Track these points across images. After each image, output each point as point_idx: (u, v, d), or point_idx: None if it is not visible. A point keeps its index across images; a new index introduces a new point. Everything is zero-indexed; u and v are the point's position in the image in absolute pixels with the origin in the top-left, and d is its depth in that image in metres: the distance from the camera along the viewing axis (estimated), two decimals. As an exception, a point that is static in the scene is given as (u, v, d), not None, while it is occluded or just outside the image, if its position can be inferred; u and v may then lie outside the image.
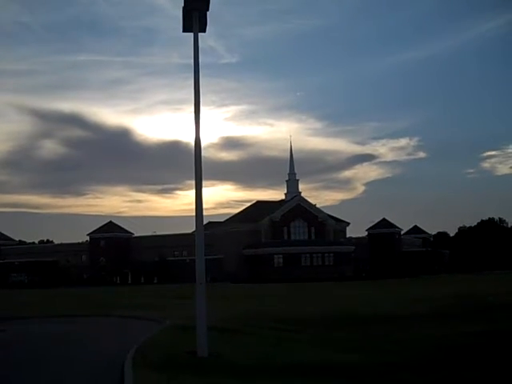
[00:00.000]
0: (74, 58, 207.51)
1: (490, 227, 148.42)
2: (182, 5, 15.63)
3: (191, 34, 16.07)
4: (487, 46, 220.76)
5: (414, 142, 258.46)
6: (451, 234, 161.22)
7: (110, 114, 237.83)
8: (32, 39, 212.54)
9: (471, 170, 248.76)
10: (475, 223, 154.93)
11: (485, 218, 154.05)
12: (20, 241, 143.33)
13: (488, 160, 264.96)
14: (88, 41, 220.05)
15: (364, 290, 63.61)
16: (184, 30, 16.14)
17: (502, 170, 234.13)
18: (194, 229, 16.25)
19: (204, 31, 16.23)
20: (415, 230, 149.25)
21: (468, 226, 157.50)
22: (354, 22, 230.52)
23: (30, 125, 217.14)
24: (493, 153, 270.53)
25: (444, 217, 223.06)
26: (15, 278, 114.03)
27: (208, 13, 15.85)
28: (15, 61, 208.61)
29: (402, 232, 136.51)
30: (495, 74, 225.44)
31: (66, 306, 42.84)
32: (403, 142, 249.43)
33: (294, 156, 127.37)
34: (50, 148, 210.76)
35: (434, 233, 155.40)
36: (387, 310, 36.79)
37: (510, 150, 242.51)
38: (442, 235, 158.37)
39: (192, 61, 16.09)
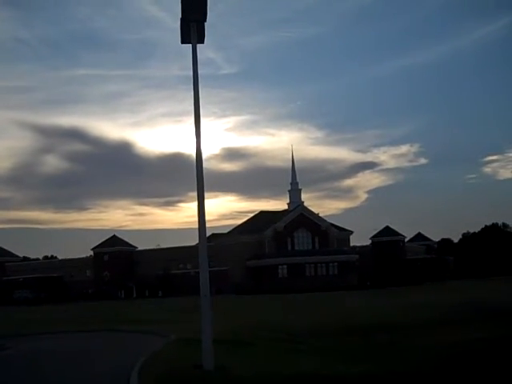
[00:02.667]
0: (73, 73, 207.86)
1: (493, 232, 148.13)
2: (180, 16, 15.66)
3: (190, 46, 16.12)
4: (486, 50, 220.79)
5: (415, 148, 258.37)
6: (455, 241, 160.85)
7: (110, 128, 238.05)
8: (31, 55, 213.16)
9: (473, 176, 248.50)
10: (479, 229, 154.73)
11: (488, 223, 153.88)
12: (24, 257, 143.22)
13: (489, 165, 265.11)
14: (86, 55, 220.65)
15: (369, 298, 63.46)
16: (182, 42, 16.19)
17: (504, 174, 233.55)
18: (197, 241, 16.22)
19: (202, 42, 16.28)
20: (419, 237, 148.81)
21: (472, 231, 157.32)
22: (351, 29, 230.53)
23: (32, 140, 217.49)
24: (494, 157, 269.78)
25: (447, 223, 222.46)
26: (20, 295, 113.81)
27: (206, 24, 15.90)
28: (15, 77, 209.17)
29: (406, 239, 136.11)
30: (495, 78, 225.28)
31: (71, 321, 42.77)
32: (404, 148, 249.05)
33: (295, 165, 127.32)
34: (52, 163, 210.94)
35: (437, 239, 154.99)
36: (392, 318, 36.66)
37: (511, 155, 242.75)
38: (446, 242, 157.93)
39: (191, 72, 16.12)
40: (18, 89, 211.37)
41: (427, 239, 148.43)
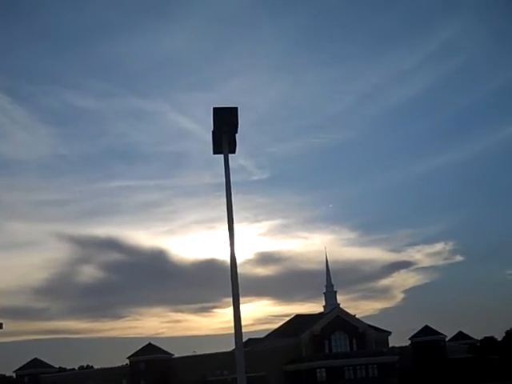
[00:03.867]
0: (108, 185, 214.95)
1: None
2: (211, 129, 16.08)
3: (221, 155, 16.36)
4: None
5: (449, 246, 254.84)
6: (499, 339, 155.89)
7: (145, 236, 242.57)
8: (69, 170, 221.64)
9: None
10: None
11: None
12: (60, 368, 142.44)
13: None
14: (121, 167, 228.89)
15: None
16: (214, 153, 16.43)
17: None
18: (233, 347, 16.30)
19: (234, 152, 16.49)
20: (460, 335, 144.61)
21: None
22: (380, 131, 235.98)
23: (69, 252, 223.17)
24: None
25: (489, 320, 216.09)
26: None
27: (237, 134, 16.25)
28: (54, 191, 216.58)
29: (447, 339, 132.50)
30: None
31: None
32: (439, 246, 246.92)
33: (330, 267, 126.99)
34: (89, 273, 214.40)
35: (480, 338, 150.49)
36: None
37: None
38: (489, 340, 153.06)
39: (223, 180, 16.27)
40: (56, 202, 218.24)
41: (469, 338, 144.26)
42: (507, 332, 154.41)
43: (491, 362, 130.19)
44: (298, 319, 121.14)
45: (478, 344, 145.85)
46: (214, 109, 15.84)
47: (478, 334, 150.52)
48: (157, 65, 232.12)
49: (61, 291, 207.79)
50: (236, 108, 15.89)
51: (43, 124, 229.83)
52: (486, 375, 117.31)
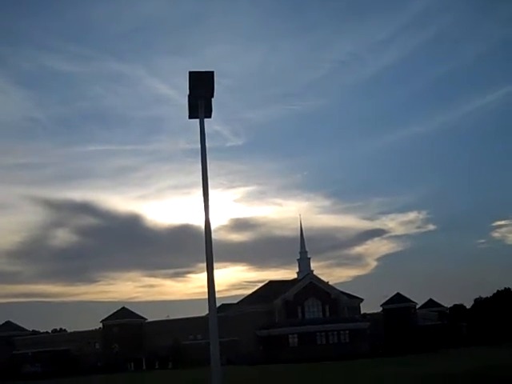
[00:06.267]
0: (84, 149, 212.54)
1: (506, 297, 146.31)
2: (188, 93, 15.84)
3: (197, 120, 16.14)
4: (489, 116, 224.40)
5: (422, 215, 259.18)
6: (468, 306, 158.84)
7: (120, 201, 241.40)
8: (43, 133, 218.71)
9: (482, 241, 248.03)
10: (491, 294, 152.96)
11: (500, 288, 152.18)
12: (33, 331, 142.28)
13: (498, 230, 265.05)
14: (96, 131, 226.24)
15: (381, 367, 62.62)
16: (190, 117, 16.20)
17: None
18: (207, 312, 16.39)
19: (209, 117, 16.32)
20: (430, 303, 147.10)
21: (484, 296, 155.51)
22: (355, 100, 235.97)
23: (43, 215, 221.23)
24: (502, 222, 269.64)
25: (459, 289, 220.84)
26: (29, 369, 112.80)
27: (213, 99, 16.02)
28: (28, 155, 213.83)
29: (417, 306, 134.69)
30: (500, 142, 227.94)
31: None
32: (412, 215, 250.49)
33: (304, 234, 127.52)
34: (63, 237, 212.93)
35: (449, 305, 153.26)
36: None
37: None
38: (459, 307, 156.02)
39: (199, 145, 16.06)
40: (30, 165, 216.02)
41: (439, 305, 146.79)
42: (476, 300, 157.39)
43: (460, 329, 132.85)
44: (272, 285, 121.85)
45: (448, 312, 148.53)
46: (190, 73, 15.47)
47: (447, 302, 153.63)
48: (135, 29, 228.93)
49: (34, 255, 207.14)
50: (212, 72, 15.60)
51: (17, 86, 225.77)
52: (455, 341, 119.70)
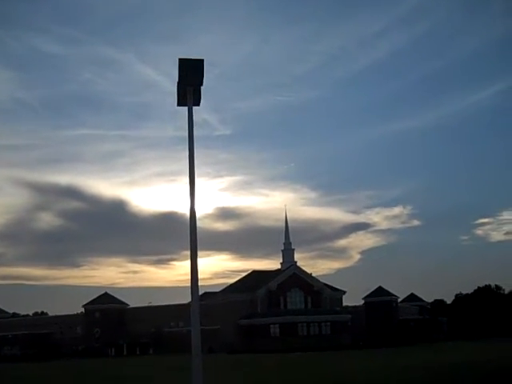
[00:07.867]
0: (71, 133, 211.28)
1: (486, 294, 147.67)
2: (177, 80, 15.65)
3: (185, 108, 16.03)
4: (477, 114, 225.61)
5: (407, 210, 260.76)
6: (448, 302, 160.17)
7: (106, 186, 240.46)
8: (29, 115, 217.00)
9: (465, 237, 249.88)
10: (472, 290, 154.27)
11: (481, 284, 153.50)
12: (14, 313, 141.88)
13: (481, 227, 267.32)
14: (84, 116, 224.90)
15: (360, 359, 63.10)
16: (179, 104, 16.04)
17: (496, 236, 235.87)
18: (189, 299, 16.35)
19: (198, 105, 16.09)
20: (412, 297, 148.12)
21: (465, 293, 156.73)
22: (344, 94, 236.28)
23: (27, 198, 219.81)
24: (485, 220, 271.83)
25: (441, 284, 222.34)
26: (8, 352, 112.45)
27: (202, 87, 15.89)
28: (12, 136, 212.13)
29: (399, 300, 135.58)
30: (486, 141, 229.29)
31: (57, 380, 42.54)
32: (397, 210, 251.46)
33: (289, 225, 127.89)
34: (47, 220, 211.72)
35: (431, 300, 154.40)
36: (384, 381, 36.64)
37: (502, 218, 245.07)
38: (439, 303, 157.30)
39: (186, 133, 15.97)
40: (15, 147, 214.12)
41: (420, 300, 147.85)
42: (457, 296, 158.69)
43: (440, 324, 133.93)
44: (255, 275, 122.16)
45: (429, 306, 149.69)
46: (180, 60, 15.37)
47: (429, 297, 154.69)
48: (126, 14, 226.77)
49: (18, 237, 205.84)
50: (202, 60, 15.51)
51: (4, 67, 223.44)
52: (435, 336, 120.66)
